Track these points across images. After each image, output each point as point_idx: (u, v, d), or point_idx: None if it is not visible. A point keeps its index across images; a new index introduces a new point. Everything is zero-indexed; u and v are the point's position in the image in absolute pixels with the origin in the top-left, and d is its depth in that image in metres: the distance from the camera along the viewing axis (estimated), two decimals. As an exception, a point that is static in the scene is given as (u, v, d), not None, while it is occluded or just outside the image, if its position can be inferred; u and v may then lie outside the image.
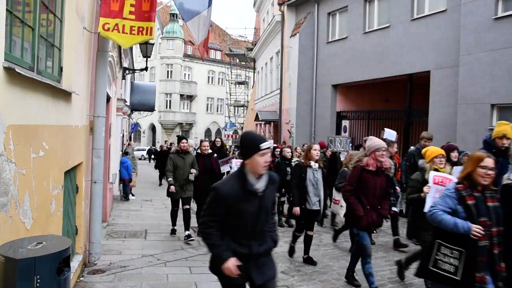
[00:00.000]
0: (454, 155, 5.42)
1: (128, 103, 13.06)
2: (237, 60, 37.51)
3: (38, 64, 2.97)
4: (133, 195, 11.38)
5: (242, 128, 31.78)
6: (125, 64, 12.01)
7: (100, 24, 4.36)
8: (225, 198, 2.40)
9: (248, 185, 2.42)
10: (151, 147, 37.41)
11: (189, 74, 44.49)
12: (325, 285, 4.53)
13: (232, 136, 34.90)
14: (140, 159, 34.54)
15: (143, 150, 36.96)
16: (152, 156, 33.50)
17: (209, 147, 7.12)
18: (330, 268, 5.15)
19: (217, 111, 47.02)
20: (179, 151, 6.65)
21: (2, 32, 2.20)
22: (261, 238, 2.54)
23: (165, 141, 16.24)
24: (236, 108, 35.83)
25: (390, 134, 7.30)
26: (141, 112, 18.20)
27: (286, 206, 6.94)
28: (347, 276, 4.66)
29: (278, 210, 7.75)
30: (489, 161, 2.94)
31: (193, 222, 7.08)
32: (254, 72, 29.61)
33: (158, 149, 34.20)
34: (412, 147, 7.63)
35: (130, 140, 16.88)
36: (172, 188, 6.45)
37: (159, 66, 42.26)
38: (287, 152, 7.81)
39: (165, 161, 12.68)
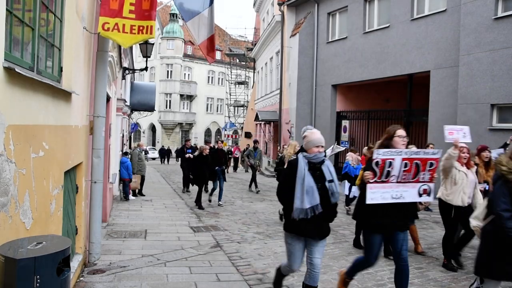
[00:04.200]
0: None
1: (128, 103, 13.05)
2: (237, 60, 37.57)
3: (38, 64, 2.96)
4: (143, 194, 11.37)
5: (242, 128, 31.77)
6: (125, 64, 12.01)
7: (100, 23, 4.35)
8: None
9: None
10: (163, 146, 36.55)
11: (189, 74, 44.50)
12: (325, 285, 4.53)
13: (232, 136, 34.95)
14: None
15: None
16: (164, 157, 32.42)
17: None
18: (330, 268, 5.15)
19: (217, 111, 47.04)
20: None
21: (2, 32, 2.19)
22: None
23: (200, 143, 13.04)
24: (236, 108, 35.87)
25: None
26: (141, 112, 18.19)
27: None
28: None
29: None
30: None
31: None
32: (254, 72, 29.63)
33: (176, 148, 32.75)
34: None
35: (130, 140, 16.59)
36: None
37: (159, 66, 42.28)
38: None
39: (199, 167, 9.68)
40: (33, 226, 2.79)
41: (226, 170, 10.64)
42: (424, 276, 4.85)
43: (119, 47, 8.35)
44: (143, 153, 12.58)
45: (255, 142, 14.47)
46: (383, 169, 3.56)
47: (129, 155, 11.38)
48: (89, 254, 5.07)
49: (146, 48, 12.13)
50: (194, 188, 11.60)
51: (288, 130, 17.36)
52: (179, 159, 15.65)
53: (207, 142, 12.46)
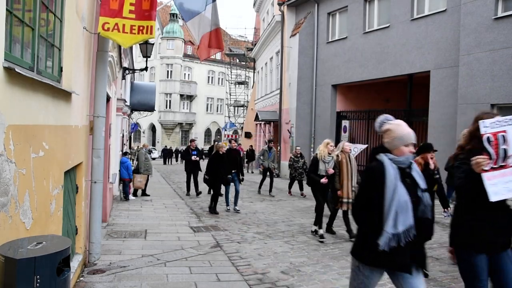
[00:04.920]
0: None
1: (128, 103, 13.05)
2: (237, 60, 37.55)
3: (38, 64, 2.96)
4: (148, 194, 11.26)
5: (242, 128, 31.76)
6: (125, 64, 12.01)
7: (100, 23, 4.35)
8: None
9: None
10: (166, 146, 35.92)
11: (189, 74, 44.52)
12: (325, 285, 4.53)
13: (232, 136, 34.94)
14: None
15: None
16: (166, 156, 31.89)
17: None
18: (330, 268, 5.15)
19: (217, 111, 47.07)
20: None
21: (2, 32, 2.19)
22: None
23: (200, 143, 11.53)
24: (236, 108, 35.86)
25: None
26: (141, 112, 18.19)
27: None
28: None
29: None
30: None
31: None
32: (254, 72, 29.62)
33: (183, 148, 32.22)
34: None
35: (130, 140, 16.55)
36: None
37: (159, 66, 42.29)
38: None
39: (215, 168, 8.49)
40: (33, 226, 2.79)
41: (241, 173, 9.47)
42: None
43: (119, 47, 8.35)
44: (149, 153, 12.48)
45: (270, 141, 12.87)
46: (497, 148, 2.52)
47: (129, 155, 11.39)
48: (89, 254, 5.07)
49: (146, 48, 12.13)
50: (201, 191, 11.60)
51: (288, 130, 17.36)
52: (183, 161, 14.73)
53: (216, 142, 11.39)
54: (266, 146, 12.68)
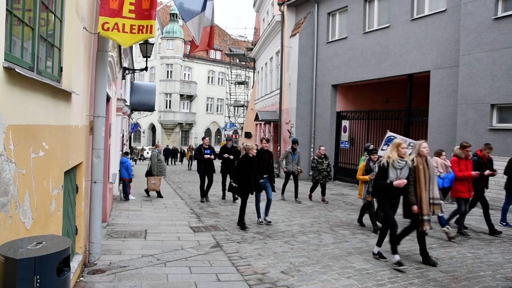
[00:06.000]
0: None
1: (128, 103, 13.06)
2: (237, 60, 37.57)
3: (38, 64, 2.96)
4: (162, 196, 11.04)
5: (242, 128, 31.78)
6: (125, 64, 12.02)
7: (100, 23, 4.34)
8: None
9: None
10: (168, 146, 35.35)
11: (189, 74, 44.54)
12: (325, 285, 4.53)
13: (232, 136, 34.98)
14: (139, 159, 34.44)
15: (144, 150, 36.98)
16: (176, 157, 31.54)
17: None
18: (330, 268, 5.15)
19: (217, 111, 47.07)
20: None
21: (2, 32, 2.19)
22: None
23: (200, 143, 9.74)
24: (236, 108, 35.88)
25: None
26: (141, 112, 18.21)
27: None
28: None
29: None
30: None
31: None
32: (254, 72, 29.63)
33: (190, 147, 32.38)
34: None
35: (130, 140, 16.43)
36: None
37: (159, 66, 42.30)
38: None
39: (245, 172, 7.20)
40: (33, 226, 2.79)
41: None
42: (424, 276, 4.86)
43: (119, 47, 8.35)
44: (161, 154, 11.84)
45: (294, 142, 11.00)
46: None
47: (129, 156, 11.33)
48: (89, 254, 5.07)
49: (146, 48, 12.14)
50: (211, 194, 11.60)
51: (288, 130, 17.36)
52: (191, 162, 13.23)
53: (228, 140, 10.78)
54: (290, 147, 11.10)
